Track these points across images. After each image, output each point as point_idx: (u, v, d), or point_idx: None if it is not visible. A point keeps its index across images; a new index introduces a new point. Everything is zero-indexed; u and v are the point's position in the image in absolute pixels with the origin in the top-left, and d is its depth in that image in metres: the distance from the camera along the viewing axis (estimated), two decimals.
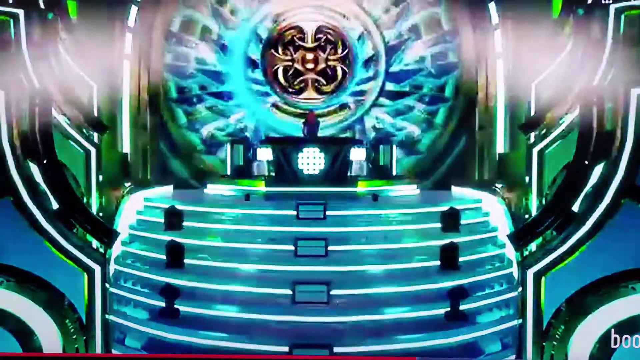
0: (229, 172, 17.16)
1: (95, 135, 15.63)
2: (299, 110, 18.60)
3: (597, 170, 12.23)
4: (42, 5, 14.96)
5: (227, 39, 18.49)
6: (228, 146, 17.38)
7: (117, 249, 13.30)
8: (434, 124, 18.61)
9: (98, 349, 12.07)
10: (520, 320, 12.13)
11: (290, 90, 18.63)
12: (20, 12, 14.32)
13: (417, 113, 18.61)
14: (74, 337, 11.90)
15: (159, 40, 18.40)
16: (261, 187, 15.11)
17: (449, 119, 18.60)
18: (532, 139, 15.39)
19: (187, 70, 18.59)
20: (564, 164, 13.89)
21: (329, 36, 18.51)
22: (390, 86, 18.56)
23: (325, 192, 14.27)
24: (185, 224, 13.44)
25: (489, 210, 14.64)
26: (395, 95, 18.63)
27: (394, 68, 18.49)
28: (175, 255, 12.64)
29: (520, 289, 12.18)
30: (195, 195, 15.76)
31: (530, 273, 11.98)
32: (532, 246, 12.55)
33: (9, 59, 14.03)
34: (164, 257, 12.74)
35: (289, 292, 11.88)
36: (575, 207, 12.18)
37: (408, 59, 18.49)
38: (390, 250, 12.69)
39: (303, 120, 17.18)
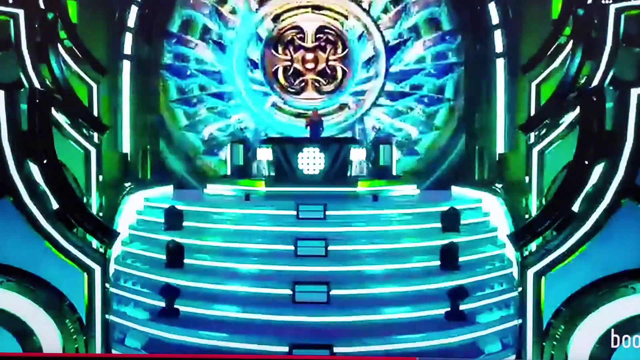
0: (229, 172, 17.17)
1: (95, 135, 15.63)
2: (299, 110, 18.59)
3: (597, 170, 12.23)
4: (42, 5, 14.97)
5: (227, 39, 18.47)
6: (228, 146, 17.38)
7: (117, 249, 13.31)
8: (433, 126, 18.61)
9: (98, 349, 12.07)
10: (520, 320, 12.13)
11: (290, 90, 18.59)
12: (20, 12, 14.33)
13: (417, 115, 18.61)
14: (74, 337, 11.90)
15: (159, 40, 18.40)
16: (261, 187, 15.11)
17: (449, 120, 18.61)
18: (532, 139, 15.39)
19: (187, 70, 18.58)
20: (564, 164, 13.88)
21: (329, 36, 18.49)
22: (390, 86, 18.55)
23: (325, 192, 14.28)
24: (185, 224, 13.46)
25: (489, 210, 14.65)
26: (395, 96, 18.63)
27: (394, 68, 18.47)
28: (175, 255, 12.65)
29: (520, 289, 12.18)
30: (195, 195, 15.77)
31: (530, 273, 11.98)
32: (532, 246, 12.54)
33: (9, 59, 14.03)
34: (164, 257, 12.76)
35: (289, 292, 11.89)
36: (575, 207, 12.18)
37: (408, 59, 18.51)
38: (390, 250, 12.71)
39: (306, 120, 17.19)
